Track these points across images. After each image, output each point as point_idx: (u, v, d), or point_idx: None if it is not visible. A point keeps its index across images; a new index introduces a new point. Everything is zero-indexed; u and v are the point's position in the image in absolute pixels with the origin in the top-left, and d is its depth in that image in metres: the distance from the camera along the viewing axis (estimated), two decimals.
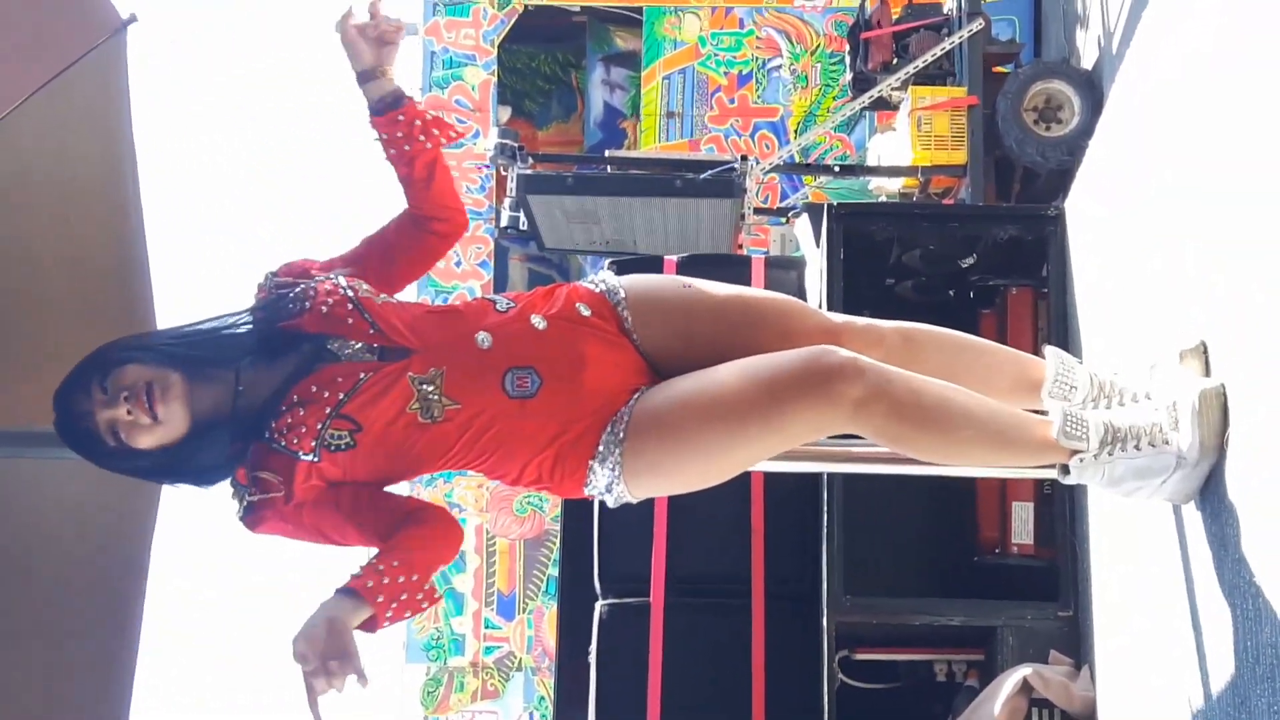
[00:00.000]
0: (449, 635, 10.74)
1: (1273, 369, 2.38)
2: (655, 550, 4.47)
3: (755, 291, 2.94)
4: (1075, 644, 4.10)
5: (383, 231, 2.87)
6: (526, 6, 10.45)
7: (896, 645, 4.44)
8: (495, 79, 10.48)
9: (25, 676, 3.57)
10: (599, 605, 4.53)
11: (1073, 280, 4.21)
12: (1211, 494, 2.63)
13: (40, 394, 2.63)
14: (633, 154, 9.24)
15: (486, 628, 10.74)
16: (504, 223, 7.58)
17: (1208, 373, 2.69)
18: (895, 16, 8.15)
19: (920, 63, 7.61)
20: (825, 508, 4.23)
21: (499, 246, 10.50)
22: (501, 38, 10.46)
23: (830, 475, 4.18)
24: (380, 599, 2.45)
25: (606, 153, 8.37)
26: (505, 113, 10.80)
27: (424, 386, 2.61)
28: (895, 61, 7.97)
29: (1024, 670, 4.05)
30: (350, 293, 2.66)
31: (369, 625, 2.45)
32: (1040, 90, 7.65)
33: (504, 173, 7.52)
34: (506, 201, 7.42)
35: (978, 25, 7.57)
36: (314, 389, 2.58)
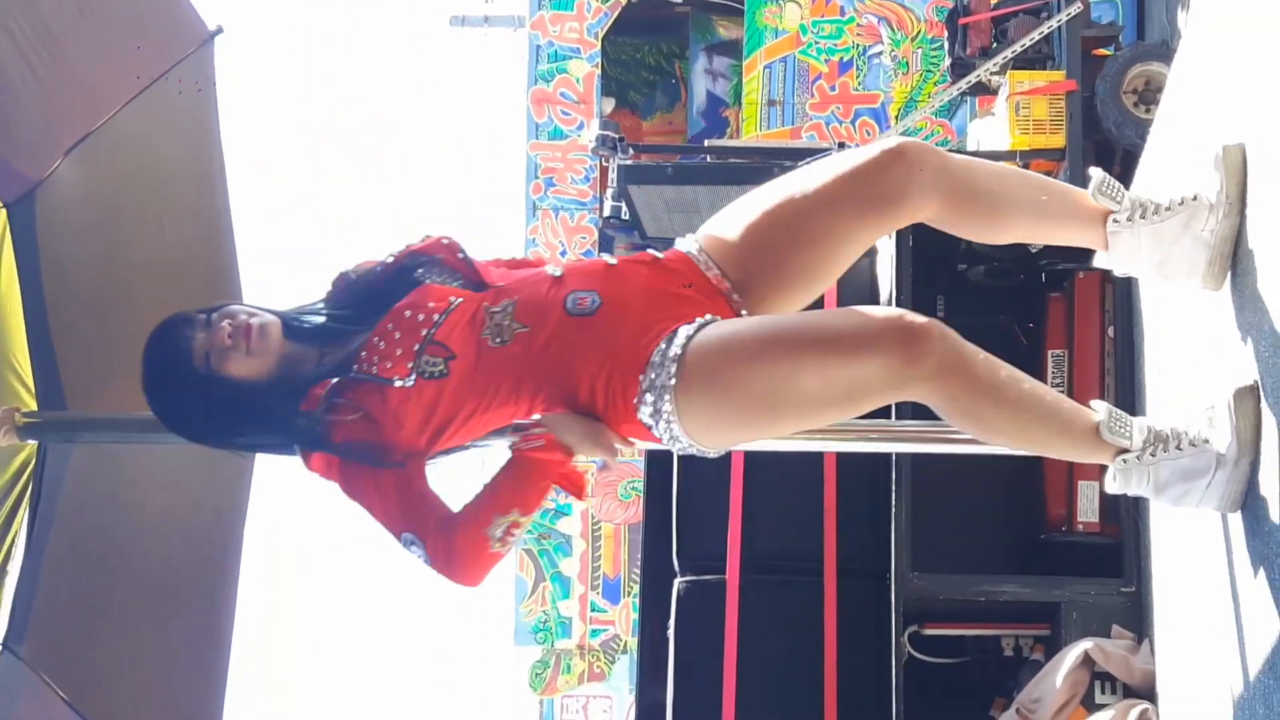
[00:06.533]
0: (556, 619, 10.92)
1: None
2: (731, 529, 4.59)
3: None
4: (1137, 619, 4.15)
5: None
6: None
7: (964, 621, 4.52)
8: (599, 71, 10.59)
9: (135, 657, 3.78)
10: (677, 582, 4.67)
11: None
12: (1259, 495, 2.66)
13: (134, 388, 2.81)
14: (731, 143, 9.32)
15: (593, 611, 10.91)
16: (607, 212, 7.69)
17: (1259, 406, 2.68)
18: (994, 1, 8.17)
19: (1018, 47, 7.62)
20: (894, 488, 4.32)
21: (603, 236, 10.62)
22: (605, 30, 10.60)
23: (898, 456, 4.27)
24: None
25: (706, 142, 8.45)
26: (609, 104, 10.92)
27: (496, 314, 2.70)
28: (994, 46, 7.98)
29: (1086, 644, 4.11)
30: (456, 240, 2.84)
31: None
32: (1139, 73, 7.61)
33: (606, 164, 7.64)
34: (609, 192, 7.52)
35: (1076, 9, 7.57)
36: (407, 314, 2.69)
